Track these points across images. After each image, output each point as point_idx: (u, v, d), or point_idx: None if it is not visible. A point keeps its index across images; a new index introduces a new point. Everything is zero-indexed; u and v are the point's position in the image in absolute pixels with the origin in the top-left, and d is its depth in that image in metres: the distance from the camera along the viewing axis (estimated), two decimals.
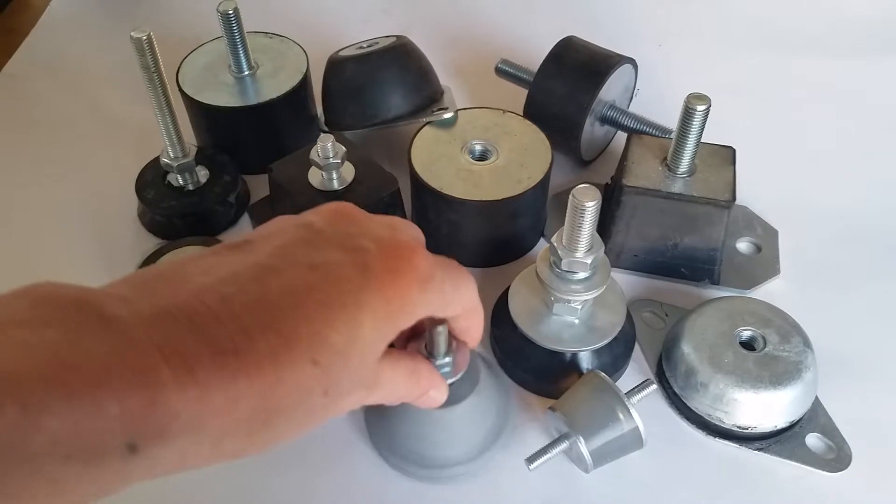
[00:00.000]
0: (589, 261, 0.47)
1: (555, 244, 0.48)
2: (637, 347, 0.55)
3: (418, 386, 0.38)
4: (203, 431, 0.25)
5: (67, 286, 0.25)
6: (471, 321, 0.39)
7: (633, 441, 0.46)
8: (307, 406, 0.28)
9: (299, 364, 0.27)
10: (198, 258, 0.29)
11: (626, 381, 0.53)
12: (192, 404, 0.24)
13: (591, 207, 0.45)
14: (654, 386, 0.49)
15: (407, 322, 0.32)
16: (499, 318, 0.55)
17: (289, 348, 0.27)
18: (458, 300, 0.36)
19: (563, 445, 0.47)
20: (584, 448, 0.46)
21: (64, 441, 0.21)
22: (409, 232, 0.34)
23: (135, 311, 0.25)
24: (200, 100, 0.64)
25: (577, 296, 0.48)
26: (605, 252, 0.58)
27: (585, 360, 0.52)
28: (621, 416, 0.46)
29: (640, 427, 0.46)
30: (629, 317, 0.54)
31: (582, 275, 0.48)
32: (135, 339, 0.24)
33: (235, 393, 0.25)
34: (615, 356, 0.53)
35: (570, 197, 0.45)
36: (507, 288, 0.54)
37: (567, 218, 0.46)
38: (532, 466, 0.46)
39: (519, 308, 0.52)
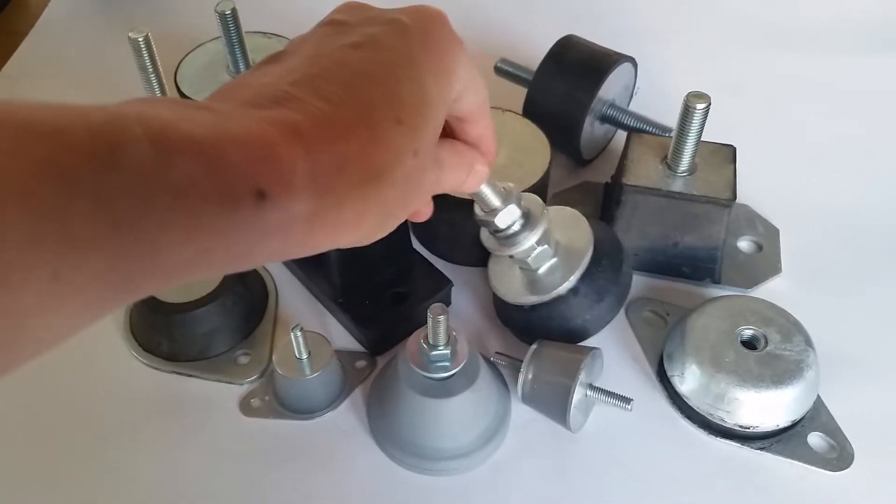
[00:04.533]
0: (507, 207, 0.45)
1: (478, 215, 0.46)
2: (637, 346, 0.55)
3: (465, 161, 0.38)
4: (323, 191, 0.26)
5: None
6: (486, 126, 0.38)
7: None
8: (403, 169, 0.29)
9: (386, 123, 0.28)
10: (247, 74, 0.31)
11: (602, 372, 0.53)
12: (304, 161, 0.25)
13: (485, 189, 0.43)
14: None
15: (456, 81, 0.33)
16: (495, 301, 0.55)
17: (372, 110, 0.28)
18: (481, 84, 0.36)
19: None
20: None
21: (197, 179, 0.22)
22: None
23: (220, 105, 0.26)
24: (198, 100, 0.64)
25: (526, 243, 0.47)
26: None
27: (578, 290, 0.50)
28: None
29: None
30: (605, 228, 0.53)
31: (515, 225, 0.46)
32: (232, 115, 0.25)
33: (339, 154, 0.26)
34: (605, 269, 0.51)
35: None
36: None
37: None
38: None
39: (500, 284, 0.52)
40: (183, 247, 0.23)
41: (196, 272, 0.24)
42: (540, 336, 0.51)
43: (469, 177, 0.38)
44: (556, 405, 0.48)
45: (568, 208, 0.54)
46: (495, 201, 0.45)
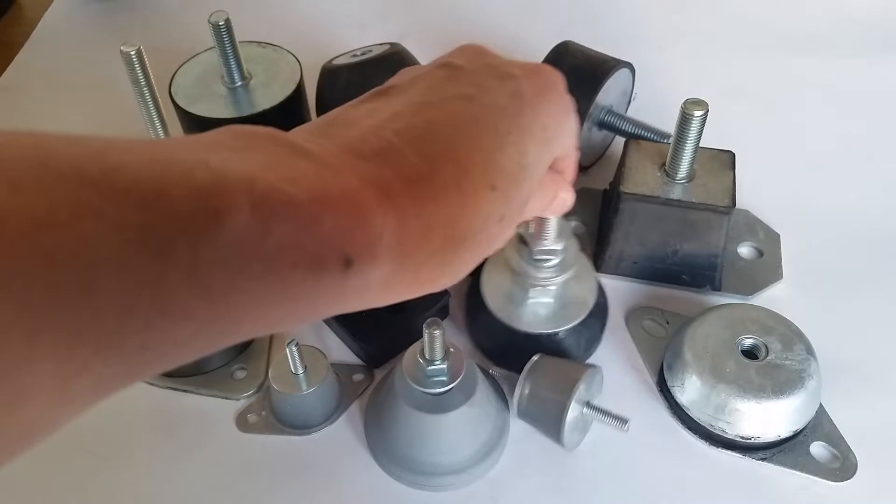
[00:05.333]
0: (560, 246, 0.47)
1: (524, 235, 0.48)
2: (637, 355, 0.54)
3: (548, 194, 0.36)
4: (404, 258, 0.25)
5: (257, 126, 0.26)
6: (573, 157, 0.37)
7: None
8: (486, 233, 0.29)
9: (481, 190, 0.28)
10: (354, 106, 0.30)
11: (606, 363, 0.53)
12: (392, 228, 0.25)
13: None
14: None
15: (558, 149, 0.32)
16: (473, 308, 0.55)
17: (469, 174, 0.27)
18: (576, 126, 0.35)
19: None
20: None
21: (291, 246, 0.22)
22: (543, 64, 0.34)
23: (323, 147, 0.26)
24: (193, 111, 0.64)
25: (551, 280, 0.49)
26: (604, 259, 0.58)
27: (567, 337, 0.52)
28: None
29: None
30: (600, 288, 0.55)
31: (554, 259, 0.48)
32: (333, 165, 0.25)
33: (427, 219, 0.26)
34: (591, 327, 0.53)
35: None
36: (478, 274, 0.54)
37: None
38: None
39: (493, 297, 0.52)
40: (268, 311, 0.22)
41: (269, 331, 0.24)
42: (501, 355, 0.52)
43: (551, 205, 0.37)
44: (550, 422, 0.47)
45: (584, 255, 0.54)
46: (553, 233, 0.46)
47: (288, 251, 0.22)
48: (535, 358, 0.49)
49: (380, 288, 0.25)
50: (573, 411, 0.46)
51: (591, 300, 0.52)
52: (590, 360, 0.53)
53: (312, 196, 0.23)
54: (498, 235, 0.30)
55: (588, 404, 0.48)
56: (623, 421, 0.47)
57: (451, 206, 0.27)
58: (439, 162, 0.27)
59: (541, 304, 0.52)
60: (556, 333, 0.51)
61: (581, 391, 0.47)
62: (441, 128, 0.28)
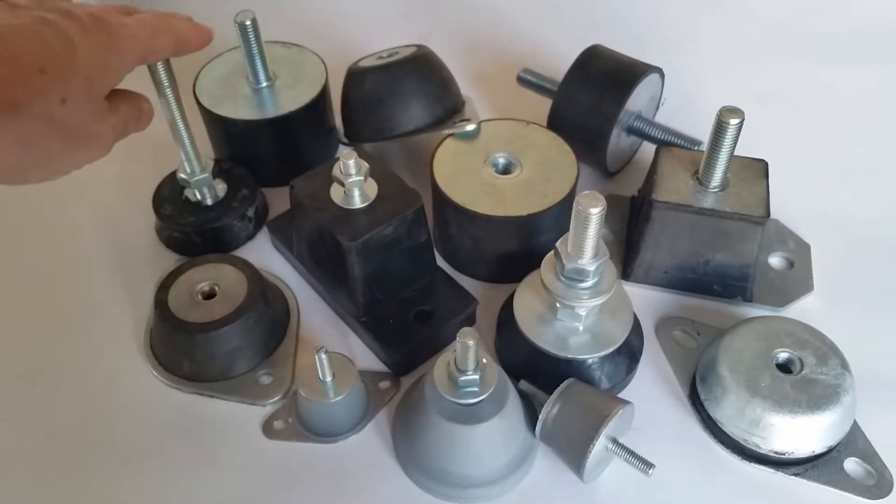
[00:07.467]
0: (593, 268, 0.46)
1: (559, 250, 0.47)
2: (668, 367, 0.54)
3: (132, 103, 0.48)
4: None
5: None
6: (162, 35, 0.47)
7: None
8: (48, 109, 0.37)
9: (27, 70, 0.36)
10: None
11: (632, 394, 0.52)
12: None
13: (595, 214, 0.44)
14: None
15: (113, 47, 0.42)
16: (504, 321, 0.54)
17: (15, 58, 0.36)
18: (151, 28, 0.46)
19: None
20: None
21: None
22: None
23: None
24: (218, 112, 0.63)
25: (580, 302, 0.48)
26: (633, 268, 0.58)
27: (586, 368, 0.50)
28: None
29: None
30: (637, 329, 0.53)
31: (586, 281, 0.47)
32: None
33: None
34: (616, 365, 0.51)
35: (575, 203, 0.44)
36: (513, 292, 0.53)
37: (572, 224, 0.45)
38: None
39: (523, 312, 0.51)
40: None
41: None
42: (519, 372, 0.51)
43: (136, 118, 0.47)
44: (573, 452, 0.45)
45: (625, 289, 0.53)
46: (589, 251, 0.46)
47: None
48: (568, 381, 0.47)
49: None
50: (598, 446, 0.44)
51: (620, 337, 0.50)
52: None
53: None
54: (71, 118, 0.39)
55: (615, 441, 0.46)
56: (648, 465, 0.45)
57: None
58: None
59: (567, 328, 0.50)
60: (572, 360, 0.50)
61: (610, 427, 0.45)
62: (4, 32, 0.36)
